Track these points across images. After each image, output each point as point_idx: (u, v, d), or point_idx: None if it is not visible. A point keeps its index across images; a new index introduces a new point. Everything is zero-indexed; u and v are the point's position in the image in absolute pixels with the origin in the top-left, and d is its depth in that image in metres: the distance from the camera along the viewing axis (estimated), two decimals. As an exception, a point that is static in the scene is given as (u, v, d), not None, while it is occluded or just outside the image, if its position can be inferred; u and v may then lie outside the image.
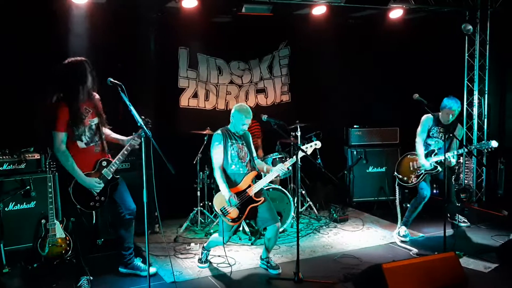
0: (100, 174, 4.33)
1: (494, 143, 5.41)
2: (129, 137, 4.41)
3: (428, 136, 5.79)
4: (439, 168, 5.66)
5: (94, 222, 4.38)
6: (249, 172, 4.83)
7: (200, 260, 5.06)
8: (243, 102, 7.11)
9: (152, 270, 4.79)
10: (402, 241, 5.77)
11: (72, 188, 4.20)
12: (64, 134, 4.15)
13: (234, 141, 4.80)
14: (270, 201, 4.90)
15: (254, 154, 5.00)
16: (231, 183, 4.75)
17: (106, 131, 4.52)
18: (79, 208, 4.26)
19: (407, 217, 5.93)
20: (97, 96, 4.42)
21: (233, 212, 4.68)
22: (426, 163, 5.69)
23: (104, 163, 4.36)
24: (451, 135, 5.50)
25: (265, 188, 5.83)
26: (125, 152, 4.33)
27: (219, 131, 4.82)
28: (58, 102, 4.17)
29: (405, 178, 5.92)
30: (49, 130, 4.16)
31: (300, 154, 4.75)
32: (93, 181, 4.24)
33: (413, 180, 5.84)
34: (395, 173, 6.05)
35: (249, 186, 4.76)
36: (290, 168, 6.38)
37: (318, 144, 4.80)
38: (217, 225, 5.34)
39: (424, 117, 5.80)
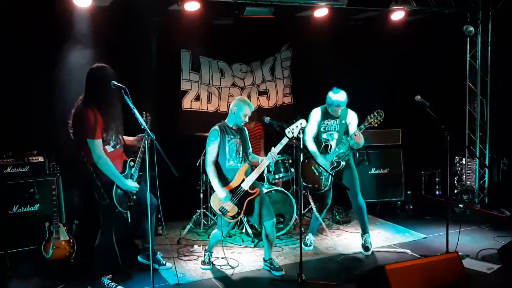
0: (131, 174, 4.41)
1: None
2: (137, 137, 4.53)
3: (320, 131, 5.48)
4: (343, 162, 5.36)
5: (130, 221, 4.43)
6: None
7: (203, 262, 5.08)
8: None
9: (168, 264, 5.01)
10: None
11: (114, 193, 4.21)
12: (100, 141, 4.14)
13: (232, 136, 4.83)
14: (265, 196, 4.95)
15: (250, 150, 5.02)
16: (227, 179, 4.79)
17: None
18: (119, 212, 4.30)
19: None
20: None
21: (232, 210, 4.73)
22: (324, 161, 5.30)
23: (132, 163, 4.43)
24: (343, 121, 5.34)
25: (267, 190, 5.89)
26: (143, 149, 4.37)
27: (216, 127, 4.84)
28: (89, 109, 4.11)
29: (316, 185, 5.45)
30: (81, 137, 4.14)
31: (287, 139, 4.67)
32: (133, 184, 4.32)
33: (325, 184, 5.40)
34: (304, 183, 5.55)
35: (243, 180, 4.79)
36: (293, 170, 6.40)
37: (303, 122, 4.70)
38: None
39: (312, 111, 5.55)
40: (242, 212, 4.76)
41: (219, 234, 4.93)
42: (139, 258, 5.04)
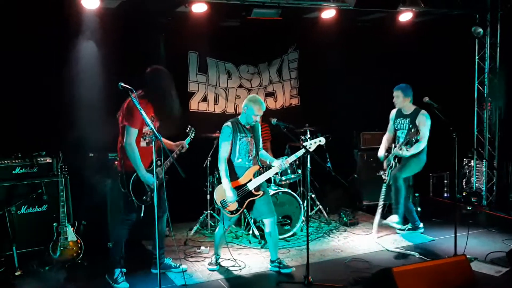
0: (156, 172, 4.51)
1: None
2: (177, 143, 4.84)
3: (395, 129, 5.99)
4: (393, 162, 5.88)
5: (142, 215, 4.62)
6: (252, 166, 4.87)
7: (210, 263, 5.09)
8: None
9: (184, 266, 5.06)
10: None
11: (132, 181, 4.48)
12: (136, 130, 4.45)
13: (243, 134, 4.83)
14: (269, 195, 4.97)
15: (261, 146, 5.04)
16: (234, 175, 4.82)
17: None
18: (133, 201, 4.52)
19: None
20: None
21: (232, 205, 4.80)
22: (379, 154, 6.07)
23: (159, 163, 4.61)
24: (410, 126, 5.62)
25: (273, 192, 5.89)
26: (175, 155, 4.73)
27: (229, 123, 4.84)
28: (143, 100, 4.42)
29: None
30: (124, 123, 4.45)
31: (303, 151, 4.74)
32: (151, 177, 4.51)
33: (387, 178, 6.01)
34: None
35: (250, 180, 4.81)
36: (300, 171, 6.40)
37: (322, 140, 4.80)
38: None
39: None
40: (241, 210, 4.82)
41: (221, 228, 4.97)
42: (153, 271, 5.00)
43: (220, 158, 4.80)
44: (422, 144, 5.66)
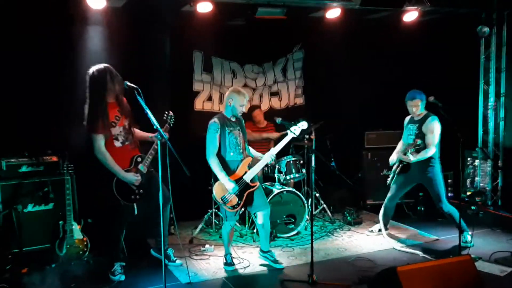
0: (137, 169, 4.67)
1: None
2: (155, 134, 4.65)
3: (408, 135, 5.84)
4: (395, 165, 5.82)
5: (136, 213, 4.72)
6: (244, 158, 4.92)
7: (225, 264, 5.10)
8: (256, 105, 7.15)
9: (178, 261, 5.13)
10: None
11: (114, 184, 4.52)
12: (102, 136, 4.48)
13: (231, 128, 4.87)
14: (261, 187, 5.05)
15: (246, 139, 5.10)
16: (229, 170, 4.85)
17: (135, 130, 4.86)
18: (122, 202, 4.60)
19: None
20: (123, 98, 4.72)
21: (233, 200, 4.83)
22: (391, 159, 5.93)
23: (139, 159, 4.71)
24: (417, 132, 5.54)
25: (278, 191, 5.91)
26: (156, 147, 4.67)
27: (215, 119, 4.86)
28: (96, 106, 4.49)
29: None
30: (88, 133, 4.52)
31: (289, 139, 4.90)
32: (131, 176, 4.58)
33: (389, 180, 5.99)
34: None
35: (245, 172, 4.86)
36: (304, 171, 6.40)
37: (304, 124, 4.91)
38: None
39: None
40: (242, 203, 4.85)
41: (229, 229, 5.01)
42: (152, 252, 5.26)
43: (209, 154, 4.81)
44: (430, 152, 5.42)
